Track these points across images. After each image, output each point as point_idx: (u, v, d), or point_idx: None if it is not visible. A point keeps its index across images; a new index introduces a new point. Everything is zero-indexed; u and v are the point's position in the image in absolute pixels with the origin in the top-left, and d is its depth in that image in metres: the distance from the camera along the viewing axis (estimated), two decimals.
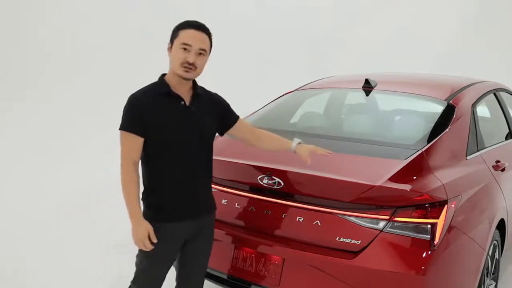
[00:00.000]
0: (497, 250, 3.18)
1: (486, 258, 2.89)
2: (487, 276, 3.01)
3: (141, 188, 2.41)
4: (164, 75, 2.46)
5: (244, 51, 11.07)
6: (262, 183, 2.73)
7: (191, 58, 2.33)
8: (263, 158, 2.85)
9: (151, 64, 6.31)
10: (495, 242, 3.09)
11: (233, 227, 2.89)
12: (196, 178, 2.47)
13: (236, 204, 2.89)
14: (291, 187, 2.67)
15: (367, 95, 3.55)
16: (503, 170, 3.31)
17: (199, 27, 2.39)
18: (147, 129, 2.32)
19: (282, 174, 2.68)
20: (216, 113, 2.57)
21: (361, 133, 3.26)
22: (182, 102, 2.40)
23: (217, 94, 2.65)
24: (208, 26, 2.45)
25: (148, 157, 2.38)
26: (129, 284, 2.56)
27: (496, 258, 3.18)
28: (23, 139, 8.17)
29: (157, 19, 10.52)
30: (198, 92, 2.48)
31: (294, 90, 3.98)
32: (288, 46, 11.33)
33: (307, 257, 2.55)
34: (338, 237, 2.51)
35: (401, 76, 4.21)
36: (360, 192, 2.46)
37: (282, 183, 2.67)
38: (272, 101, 3.91)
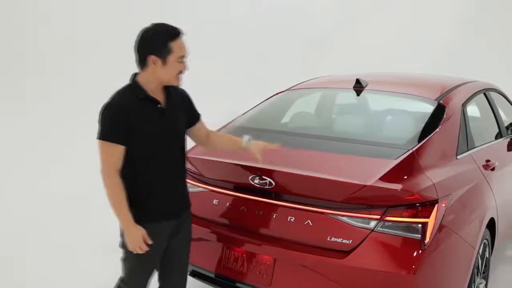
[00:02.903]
0: (487, 249, 3.20)
1: (477, 257, 2.91)
2: (477, 275, 3.02)
3: None
4: (135, 75, 2.43)
5: (241, 51, 11.06)
6: (253, 183, 2.73)
7: (186, 66, 2.38)
8: (255, 158, 2.85)
9: None
10: (485, 241, 3.10)
11: (224, 227, 2.89)
12: (176, 177, 2.51)
13: (228, 204, 2.89)
14: (282, 187, 2.67)
15: (358, 95, 3.56)
16: (493, 169, 3.32)
17: (181, 32, 2.38)
18: (128, 137, 2.31)
19: (273, 174, 2.68)
20: (185, 110, 2.59)
21: (352, 133, 3.26)
22: (159, 105, 2.41)
23: (184, 90, 2.64)
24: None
25: (129, 161, 2.36)
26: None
27: (486, 257, 3.20)
28: (23, 139, 8.12)
29: (156, 19, 10.46)
30: (170, 91, 2.49)
31: (286, 90, 3.98)
32: (287, 46, 11.32)
33: (299, 257, 2.55)
34: (329, 237, 2.51)
35: (392, 76, 4.22)
36: (351, 191, 2.46)
37: (273, 183, 2.66)
38: (264, 101, 3.91)
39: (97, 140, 2.32)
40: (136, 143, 2.33)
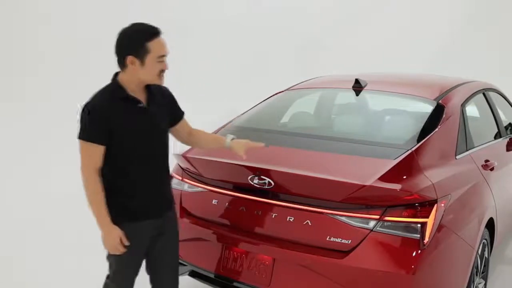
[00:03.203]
0: (486, 249, 3.20)
1: (476, 257, 2.91)
2: (476, 275, 3.03)
3: None
4: (116, 75, 2.43)
5: (241, 51, 11.06)
6: (252, 183, 2.73)
7: (166, 65, 2.36)
8: (254, 158, 2.85)
9: None
10: (484, 241, 3.11)
11: (223, 227, 2.89)
12: (158, 176, 2.51)
13: (227, 204, 2.89)
14: (281, 187, 2.67)
15: (357, 95, 3.57)
16: (492, 169, 3.33)
17: (160, 32, 2.37)
18: (108, 137, 2.31)
19: (272, 174, 2.68)
20: (168, 108, 2.59)
21: (351, 133, 3.27)
22: (140, 105, 2.40)
23: (166, 88, 2.64)
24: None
25: (110, 160, 2.37)
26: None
27: (485, 257, 3.20)
28: (23, 139, 8.12)
29: (155, 19, 10.44)
30: (152, 90, 2.48)
31: (285, 90, 3.99)
32: (287, 46, 11.32)
33: (298, 257, 2.55)
34: (328, 237, 2.51)
35: (391, 76, 4.23)
36: (350, 191, 2.46)
37: (273, 183, 2.66)
38: (263, 101, 3.91)
39: (77, 139, 2.33)
40: (117, 143, 2.34)
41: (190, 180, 3.09)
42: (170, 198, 2.64)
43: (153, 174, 2.47)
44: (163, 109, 2.53)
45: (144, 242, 2.51)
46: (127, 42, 2.33)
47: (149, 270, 2.66)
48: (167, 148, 2.57)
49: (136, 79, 2.37)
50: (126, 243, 2.36)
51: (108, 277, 2.58)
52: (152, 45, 2.31)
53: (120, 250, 2.35)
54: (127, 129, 2.35)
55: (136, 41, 2.31)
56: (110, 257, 2.50)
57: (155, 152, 2.47)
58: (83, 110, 2.33)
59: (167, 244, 2.61)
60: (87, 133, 2.30)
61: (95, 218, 2.36)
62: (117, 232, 2.34)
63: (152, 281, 2.68)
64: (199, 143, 2.81)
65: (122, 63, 2.36)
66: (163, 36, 2.37)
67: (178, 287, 2.72)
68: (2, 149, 7.58)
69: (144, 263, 2.63)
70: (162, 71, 2.38)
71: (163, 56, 2.35)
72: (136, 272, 2.56)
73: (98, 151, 2.31)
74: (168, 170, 2.61)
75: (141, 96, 2.42)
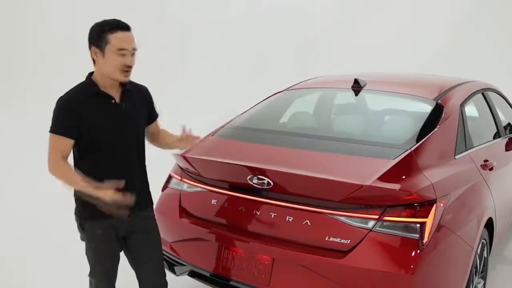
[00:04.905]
0: (485, 249, 3.20)
1: (475, 257, 2.91)
2: (475, 275, 3.03)
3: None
4: (91, 74, 2.45)
5: (241, 50, 11.07)
6: (251, 183, 2.73)
7: (130, 61, 2.35)
8: (253, 158, 2.85)
9: (149, 64, 6.25)
10: (483, 240, 3.11)
11: (222, 227, 2.89)
12: (130, 174, 2.49)
13: (226, 204, 2.89)
14: (280, 187, 2.67)
15: (356, 95, 3.57)
16: (491, 169, 3.33)
17: (126, 27, 2.37)
18: (78, 131, 2.33)
19: (271, 174, 2.68)
20: (145, 107, 2.60)
21: (351, 133, 3.27)
22: (113, 101, 2.41)
23: (145, 87, 2.65)
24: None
25: (81, 156, 2.40)
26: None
27: (484, 257, 3.20)
28: (23, 139, 8.13)
29: (155, 19, 10.47)
30: (128, 88, 2.48)
31: (284, 90, 3.99)
32: (287, 46, 11.33)
33: (297, 257, 2.55)
34: (327, 237, 2.51)
35: (390, 76, 4.23)
36: (349, 191, 2.46)
37: (272, 183, 2.66)
38: (262, 101, 3.91)
39: (49, 133, 2.36)
40: (90, 139, 2.36)
41: (189, 180, 3.09)
42: (144, 197, 2.62)
43: (124, 173, 2.45)
44: (140, 107, 2.54)
45: (115, 239, 2.52)
46: (91, 33, 2.37)
47: (132, 266, 2.68)
48: (142, 147, 2.57)
49: (102, 73, 2.38)
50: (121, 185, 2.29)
51: (89, 272, 2.60)
52: (112, 36, 2.32)
53: (117, 197, 2.26)
54: (98, 125, 2.36)
55: (97, 31, 2.35)
56: (86, 253, 2.53)
57: (128, 150, 2.47)
58: (55, 104, 2.36)
59: (144, 242, 2.61)
60: (56, 127, 2.34)
61: (82, 192, 2.30)
62: (109, 187, 2.27)
63: (137, 277, 2.69)
64: (163, 143, 2.79)
65: (91, 56, 2.40)
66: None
67: (164, 282, 2.72)
68: (2, 149, 7.58)
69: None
70: (126, 66, 2.34)
71: (123, 49, 2.32)
72: (113, 268, 2.57)
73: (67, 144, 2.34)
74: (145, 169, 2.61)
75: (115, 93, 2.43)
